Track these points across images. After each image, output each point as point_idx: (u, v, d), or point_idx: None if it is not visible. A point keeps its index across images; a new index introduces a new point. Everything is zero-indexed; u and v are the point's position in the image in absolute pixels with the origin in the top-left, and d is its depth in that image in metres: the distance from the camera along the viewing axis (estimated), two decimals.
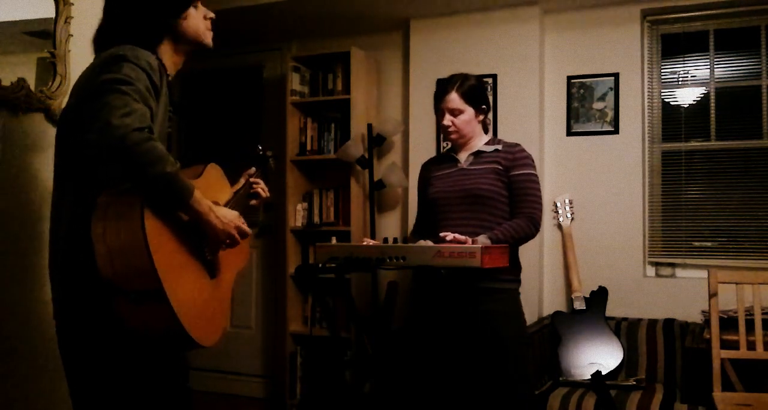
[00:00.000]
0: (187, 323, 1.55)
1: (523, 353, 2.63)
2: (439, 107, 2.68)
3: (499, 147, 2.69)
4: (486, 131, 2.80)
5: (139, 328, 1.54)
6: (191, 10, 1.82)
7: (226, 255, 1.82)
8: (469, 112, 2.65)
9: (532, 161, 2.68)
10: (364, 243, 2.58)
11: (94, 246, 1.49)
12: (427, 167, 2.86)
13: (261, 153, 2.17)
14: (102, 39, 1.78)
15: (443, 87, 2.67)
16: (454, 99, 2.63)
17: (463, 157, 2.73)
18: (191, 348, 1.63)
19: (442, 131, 2.70)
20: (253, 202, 2.05)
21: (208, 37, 1.87)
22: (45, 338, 2.36)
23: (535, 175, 2.66)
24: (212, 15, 1.87)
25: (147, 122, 1.53)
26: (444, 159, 2.81)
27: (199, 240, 1.69)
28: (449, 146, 2.84)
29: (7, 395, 2.35)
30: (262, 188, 2.05)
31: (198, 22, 1.84)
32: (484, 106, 2.70)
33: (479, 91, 2.69)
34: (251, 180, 2.05)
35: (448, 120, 2.65)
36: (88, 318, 1.62)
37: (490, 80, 3.85)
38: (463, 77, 2.68)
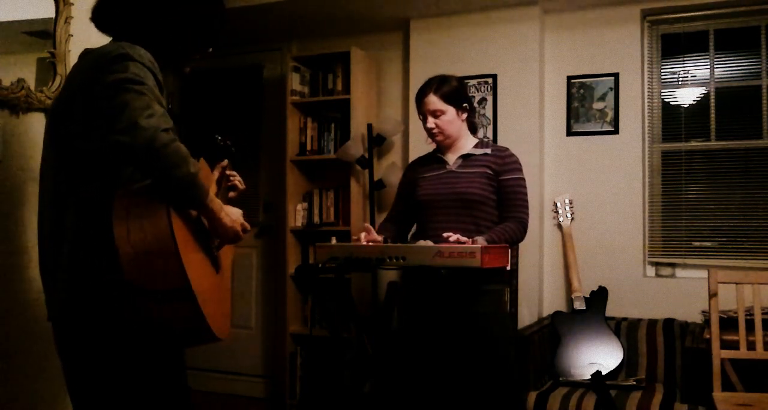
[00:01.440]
0: (209, 317, 1.56)
1: (511, 353, 2.67)
2: (421, 111, 2.69)
3: (488, 150, 2.71)
4: (474, 133, 2.81)
5: (161, 326, 1.54)
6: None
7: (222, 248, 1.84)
8: (451, 111, 2.66)
9: (520, 165, 2.72)
10: (362, 235, 2.60)
11: (119, 248, 1.48)
12: (414, 167, 2.86)
13: (222, 143, 2.11)
14: (108, 19, 1.76)
15: (421, 91, 2.69)
16: (433, 100, 2.65)
17: (451, 158, 2.74)
18: (209, 341, 1.64)
19: (428, 135, 2.71)
20: (231, 193, 2.05)
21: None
22: (36, 338, 2.36)
23: (524, 179, 2.70)
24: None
25: (170, 122, 1.52)
26: (431, 160, 2.81)
27: (206, 236, 1.70)
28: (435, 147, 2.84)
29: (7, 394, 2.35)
30: (239, 181, 2.05)
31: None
32: (465, 105, 2.71)
33: (458, 91, 2.69)
34: (227, 173, 2.03)
35: (431, 122, 2.67)
36: (97, 319, 1.60)
37: (490, 80, 3.85)
38: (440, 79, 2.69)
